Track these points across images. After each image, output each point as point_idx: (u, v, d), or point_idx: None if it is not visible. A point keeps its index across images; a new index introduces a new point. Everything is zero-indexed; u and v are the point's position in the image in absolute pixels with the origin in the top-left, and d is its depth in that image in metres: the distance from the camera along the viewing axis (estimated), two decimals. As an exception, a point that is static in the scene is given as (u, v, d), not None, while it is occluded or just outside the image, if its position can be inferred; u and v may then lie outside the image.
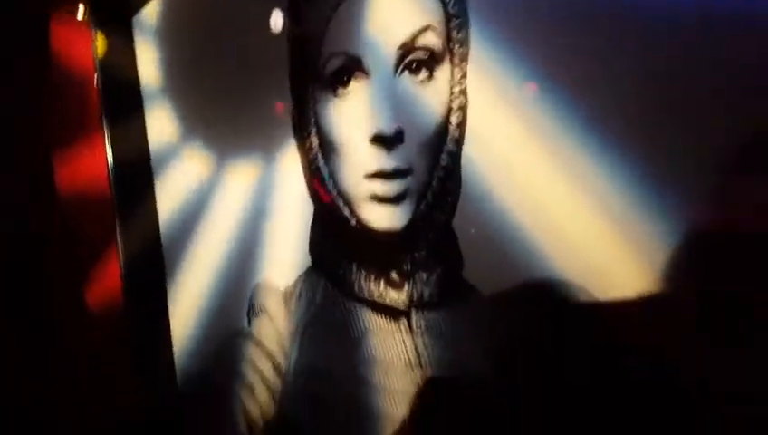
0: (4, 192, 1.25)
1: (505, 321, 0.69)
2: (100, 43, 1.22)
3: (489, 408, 0.69)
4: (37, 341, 1.28)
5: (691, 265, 0.56)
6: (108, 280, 1.25)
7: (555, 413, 0.63)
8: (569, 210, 0.61)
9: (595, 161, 0.59)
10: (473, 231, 0.70)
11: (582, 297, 0.62)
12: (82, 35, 1.25)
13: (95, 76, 1.23)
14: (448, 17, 0.69)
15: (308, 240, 0.88)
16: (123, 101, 1.20)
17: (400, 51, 0.73)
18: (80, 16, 1.25)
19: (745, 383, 0.52)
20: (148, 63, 1.18)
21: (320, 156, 0.83)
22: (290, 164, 0.89)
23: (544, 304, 0.65)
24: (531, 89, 0.64)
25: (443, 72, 0.71)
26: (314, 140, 0.83)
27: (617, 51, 0.59)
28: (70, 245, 1.28)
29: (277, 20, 0.90)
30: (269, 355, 0.91)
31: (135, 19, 1.21)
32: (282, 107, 0.90)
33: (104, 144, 1.23)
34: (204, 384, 1.06)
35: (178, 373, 1.11)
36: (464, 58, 0.69)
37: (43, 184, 1.28)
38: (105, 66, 1.23)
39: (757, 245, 0.53)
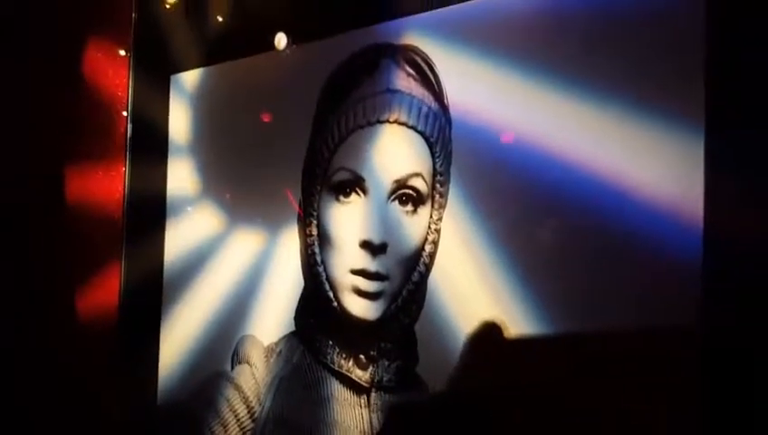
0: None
1: (443, 413, 0.85)
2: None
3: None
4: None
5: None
6: (105, 301, 1.37)
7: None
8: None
9: (527, 310, 0.77)
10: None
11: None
12: (119, 66, 1.39)
13: (127, 108, 1.37)
14: (434, 172, 0.88)
15: (295, 309, 1.05)
16: (149, 142, 1.34)
17: (395, 184, 0.91)
18: (122, 52, 1.41)
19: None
20: (179, 120, 1.32)
21: (316, 244, 0.99)
22: (291, 242, 1.06)
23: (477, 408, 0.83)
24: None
25: (425, 210, 0.89)
26: (314, 230, 1.00)
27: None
28: (71, 254, 1.40)
29: (281, 39, 1.07)
30: (245, 400, 1.06)
31: (173, 77, 1.36)
32: (291, 197, 1.06)
33: (124, 171, 1.36)
34: (182, 414, 1.19)
35: (159, 401, 1.25)
36: (441, 206, 0.87)
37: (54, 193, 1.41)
38: (137, 104, 1.37)
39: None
